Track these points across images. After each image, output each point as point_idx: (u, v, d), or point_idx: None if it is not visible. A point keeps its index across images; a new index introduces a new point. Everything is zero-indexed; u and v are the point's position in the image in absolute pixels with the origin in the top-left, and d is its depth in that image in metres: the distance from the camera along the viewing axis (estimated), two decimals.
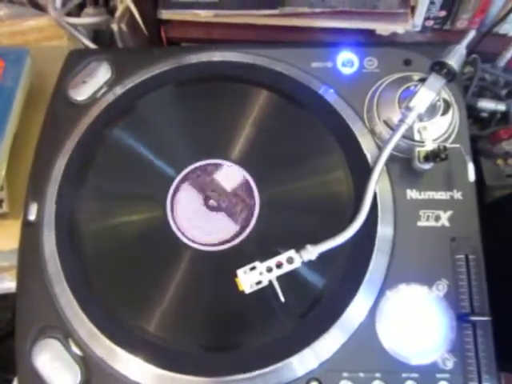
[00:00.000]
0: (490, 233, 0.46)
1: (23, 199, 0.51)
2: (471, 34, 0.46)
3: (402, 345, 0.42)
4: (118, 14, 0.66)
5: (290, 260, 0.42)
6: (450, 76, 0.45)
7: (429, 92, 0.44)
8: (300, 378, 0.42)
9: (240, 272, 0.42)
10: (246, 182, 0.49)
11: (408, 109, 0.45)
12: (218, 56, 0.55)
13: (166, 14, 0.65)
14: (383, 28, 0.63)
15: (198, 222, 0.48)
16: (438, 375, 0.42)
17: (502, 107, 0.57)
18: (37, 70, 0.60)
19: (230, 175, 0.49)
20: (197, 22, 0.65)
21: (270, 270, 0.42)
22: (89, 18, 0.70)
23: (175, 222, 0.48)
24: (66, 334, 0.45)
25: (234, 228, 0.47)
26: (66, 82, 0.55)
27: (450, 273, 0.44)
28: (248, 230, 0.47)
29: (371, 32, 0.63)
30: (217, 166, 0.50)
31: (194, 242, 0.47)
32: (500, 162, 0.56)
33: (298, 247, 0.43)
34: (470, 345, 0.42)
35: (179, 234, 0.47)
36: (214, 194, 0.49)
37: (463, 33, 0.46)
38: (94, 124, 0.52)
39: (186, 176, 0.49)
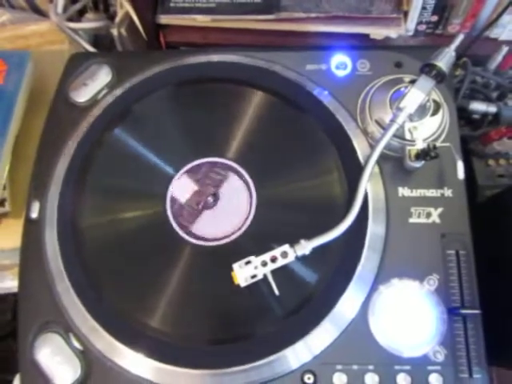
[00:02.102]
0: (484, 231, 0.47)
1: (25, 199, 0.52)
2: (460, 38, 0.47)
3: (395, 338, 0.43)
4: (117, 19, 0.68)
5: (284, 254, 0.43)
6: (440, 77, 0.46)
7: (419, 93, 0.46)
8: (294, 370, 0.43)
9: (235, 266, 0.43)
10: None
11: (399, 109, 0.46)
12: (215, 58, 0.56)
13: (164, 19, 0.67)
14: (377, 32, 0.64)
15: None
16: (430, 367, 0.43)
17: (492, 109, 0.58)
18: (38, 73, 0.62)
19: (181, 187, 0.50)
20: (194, 26, 0.67)
21: (264, 264, 0.43)
22: (89, 22, 0.71)
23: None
24: (67, 329, 0.46)
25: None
26: (67, 85, 0.56)
27: (440, 268, 0.45)
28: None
29: (365, 36, 0.65)
30: (172, 200, 0.50)
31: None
32: (491, 162, 0.57)
33: (293, 242, 0.44)
34: (460, 337, 0.43)
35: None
36: (199, 199, 0.50)
37: (455, 37, 0.47)
38: (94, 125, 0.54)
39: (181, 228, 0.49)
